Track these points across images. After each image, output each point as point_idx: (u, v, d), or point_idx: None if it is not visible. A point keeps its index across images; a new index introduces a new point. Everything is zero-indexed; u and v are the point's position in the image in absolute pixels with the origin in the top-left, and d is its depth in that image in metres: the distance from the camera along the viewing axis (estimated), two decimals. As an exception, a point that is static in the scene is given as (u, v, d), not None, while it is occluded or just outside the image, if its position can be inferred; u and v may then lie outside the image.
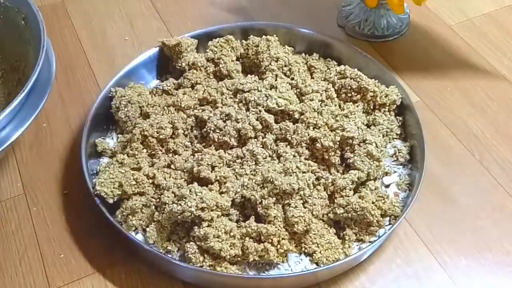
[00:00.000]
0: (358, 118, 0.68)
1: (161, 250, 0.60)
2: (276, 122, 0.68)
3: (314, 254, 0.59)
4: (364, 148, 0.65)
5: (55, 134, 0.73)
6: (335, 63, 0.77)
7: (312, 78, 0.75)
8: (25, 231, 0.64)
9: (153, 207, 0.62)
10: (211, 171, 0.63)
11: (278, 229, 0.58)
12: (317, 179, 0.63)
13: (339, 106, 0.71)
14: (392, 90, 0.72)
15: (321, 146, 0.64)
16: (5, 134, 0.58)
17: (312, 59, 0.77)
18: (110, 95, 0.71)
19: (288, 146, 0.65)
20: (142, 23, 0.90)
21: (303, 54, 0.78)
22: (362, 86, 0.70)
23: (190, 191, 0.59)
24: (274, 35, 0.77)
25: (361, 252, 0.58)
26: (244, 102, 0.69)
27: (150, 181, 0.63)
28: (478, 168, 0.71)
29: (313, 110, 0.68)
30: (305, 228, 0.59)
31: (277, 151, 0.65)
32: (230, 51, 0.76)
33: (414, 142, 0.69)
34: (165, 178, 0.63)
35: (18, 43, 0.67)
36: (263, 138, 0.66)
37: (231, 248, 0.57)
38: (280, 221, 0.59)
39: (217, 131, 0.66)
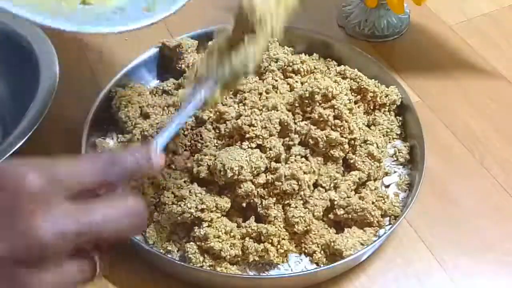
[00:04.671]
0: (359, 118, 0.68)
1: (161, 250, 0.60)
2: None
3: (314, 254, 0.59)
4: (365, 149, 0.65)
5: (55, 134, 0.73)
6: (335, 63, 0.77)
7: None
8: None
9: (153, 207, 0.62)
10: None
11: (278, 229, 0.58)
12: (318, 179, 0.63)
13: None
14: (392, 90, 0.72)
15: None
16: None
17: (312, 59, 0.77)
18: (110, 95, 0.71)
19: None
20: (142, 23, 0.89)
21: (302, 54, 0.78)
22: (362, 86, 0.70)
23: (189, 192, 0.59)
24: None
25: (361, 252, 0.58)
26: (244, 102, 0.69)
27: (150, 181, 0.63)
28: (478, 168, 0.71)
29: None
30: (305, 229, 0.59)
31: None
32: (230, 51, 0.76)
33: (414, 142, 0.68)
34: (165, 178, 0.63)
35: None
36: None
37: (231, 248, 0.57)
38: (280, 221, 0.59)
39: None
